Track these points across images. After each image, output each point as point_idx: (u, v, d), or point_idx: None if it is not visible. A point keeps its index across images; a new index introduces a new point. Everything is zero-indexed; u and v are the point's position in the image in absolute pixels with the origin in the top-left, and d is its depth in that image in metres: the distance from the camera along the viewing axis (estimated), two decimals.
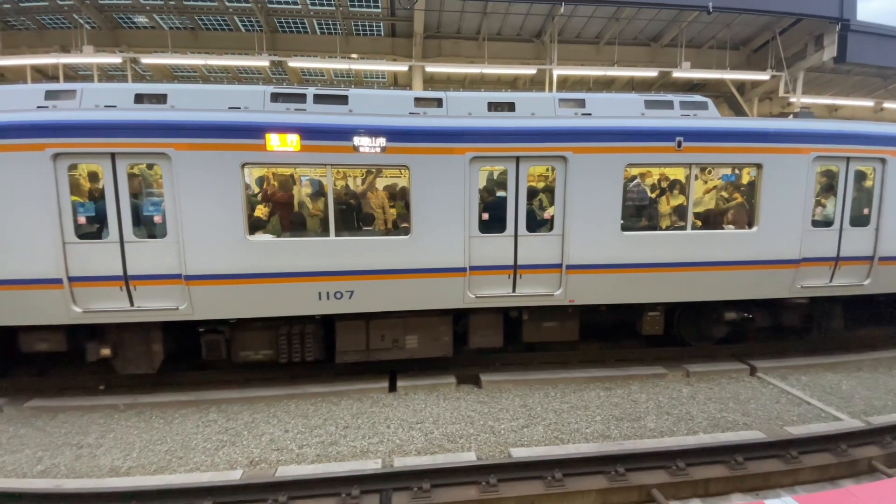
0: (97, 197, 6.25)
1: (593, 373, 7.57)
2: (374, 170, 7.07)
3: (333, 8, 15.70)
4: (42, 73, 17.93)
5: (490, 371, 7.58)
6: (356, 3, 15.72)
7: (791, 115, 8.16)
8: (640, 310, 7.71)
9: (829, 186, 7.70)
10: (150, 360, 6.73)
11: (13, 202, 5.88)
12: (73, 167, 6.09)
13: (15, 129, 5.83)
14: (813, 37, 16.42)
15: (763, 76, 17.52)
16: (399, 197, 7.27)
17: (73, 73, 19.17)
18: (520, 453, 5.35)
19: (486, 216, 6.84)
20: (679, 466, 4.93)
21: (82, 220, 6.12)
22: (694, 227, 7.29)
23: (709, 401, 6.81)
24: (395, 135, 6.44)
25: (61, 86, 6.91)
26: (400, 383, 7.15)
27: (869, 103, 21.20)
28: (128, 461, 5.35)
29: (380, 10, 16.08)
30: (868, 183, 7.74)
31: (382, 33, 17.51)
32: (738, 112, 19.49)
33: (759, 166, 7.20)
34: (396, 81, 20.69)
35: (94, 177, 6.40)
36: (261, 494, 4.49)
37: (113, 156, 6.03)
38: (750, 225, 7.37)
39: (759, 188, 7.22)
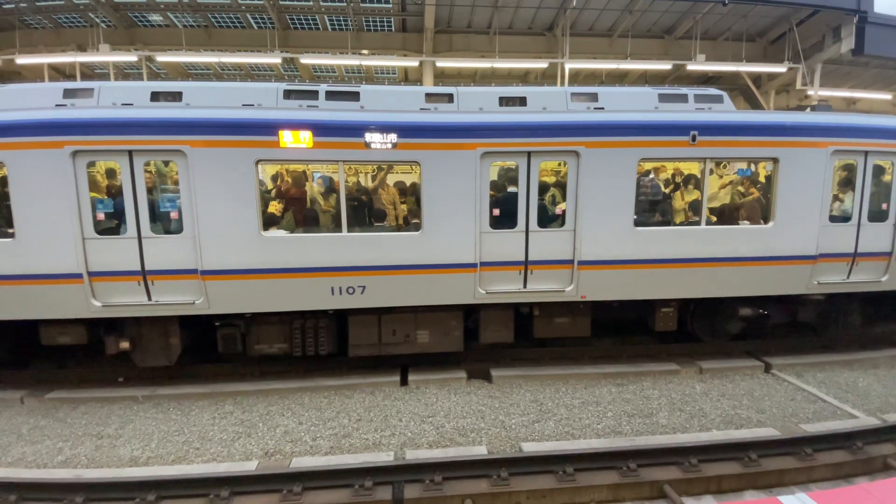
0: (115, 193, 6.36)
1: (605, 369, 7.54)
2: (385, 166, 7.11)
3: (345, 4, 15.73)
4: (59, 72, 18.21)
5: (501, 366, 7.61)
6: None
7: (808, 109, 8.00)
8: (653, 306, 7.67)
9: (846, 181, 7.57)
10: (167, 353, 6.86)
11: (34, 199, 6.02)
12: (91, 164, 6.20)
13: (35, 128, 5.95)
14: (830, 28, 16.08)
15: (780, 68, 17.16)
16: (410, 193, 7.30)
17: (90, 72, 19.49)
18: (531, 448, 5.37)
19: (497, 212, 6.83)
20: (692, 463, 4.91)
21: (101, 216, 6.24)
22: (709, 223, 7.22)
23: (722, 397, 6.76)
24: (406, 131, 6.45)
25: (79, 84, 7.02)
26: (411, 377, 7.21)
27: (887, 96, 20.74)
28: (147, 451, 5.47)
29: (390, 6, 16.08)
30: (887, 177, 7.60)
31: (393, 29, 17.51)
32: (755, 105, 19.19)
33: (775, 160, 7.09)
34: (407, 77, 20.70)
35: (111, 174, 6.51)
36: (276, 485, 4.57)
37: (130, 153, 6.13)
38: (766, 220, 7.28)
39: (776, 183, 7.11)
